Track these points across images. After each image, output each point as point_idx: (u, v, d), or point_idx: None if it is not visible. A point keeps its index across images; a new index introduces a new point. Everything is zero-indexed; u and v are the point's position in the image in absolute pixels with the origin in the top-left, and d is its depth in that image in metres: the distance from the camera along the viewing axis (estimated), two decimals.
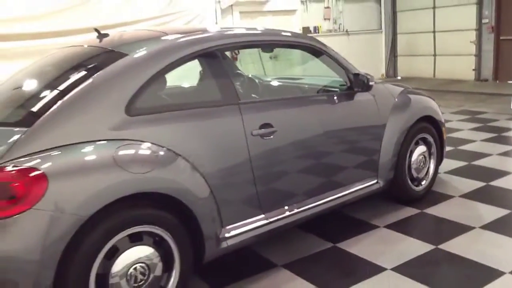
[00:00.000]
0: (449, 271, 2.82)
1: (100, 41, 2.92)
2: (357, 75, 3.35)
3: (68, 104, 2.26)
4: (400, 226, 3.46)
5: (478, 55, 10.97)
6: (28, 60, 8.62)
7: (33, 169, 2.03)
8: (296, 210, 2.98)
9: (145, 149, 2.32)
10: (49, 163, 2.07)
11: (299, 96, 3.41)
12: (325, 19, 11.81)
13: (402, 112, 3.67)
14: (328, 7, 11.79)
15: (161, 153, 2.36)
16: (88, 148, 2.20)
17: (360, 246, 3.18)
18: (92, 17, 8.66)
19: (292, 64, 8.27)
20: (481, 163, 4.82)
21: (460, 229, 3.34)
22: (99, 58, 2.65)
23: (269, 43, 3.25)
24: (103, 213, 2.11)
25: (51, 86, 2.56)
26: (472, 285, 2.64)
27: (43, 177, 2.02)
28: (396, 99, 3.70)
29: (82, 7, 8.62)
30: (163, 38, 2.69)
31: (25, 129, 2.15)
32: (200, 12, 9.80)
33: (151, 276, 2.33)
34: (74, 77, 2.52)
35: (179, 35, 2.77)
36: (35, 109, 2.32)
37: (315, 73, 4.53)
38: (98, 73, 2.38)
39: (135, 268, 2.27)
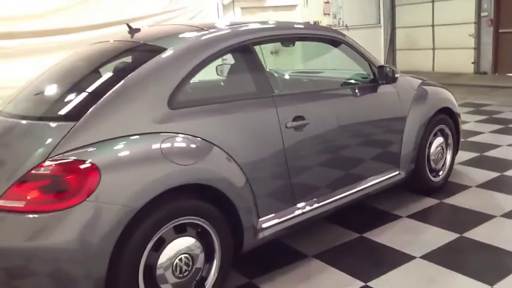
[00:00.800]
0: (477, 258, 2.89)
1: (132, 36, 2.95)
2: (381, 67, 3.41)
3: (113, 98, 2.29)
4: (422, 216, 3.53)
5: (477, 48, 11.08)
6: (30, 59, 8.60)
7: (85, 162, 2.06)
8: (326, 201, 3.04)
9: (188, 142, 2.37)
10: (100, 156, 2.11)
11: (328, 89, 3.44)
12: (325, 14, 11.86)
13: (422, 104, 3.73)
14: (328, 2, 11.83)
15: (203, 145, 2.41)
16: (136, 141, 2.24)
17: (386, 236, 3.25)
18: (94, 14, 8.65)
19: (293, 60, 8.31)
20: (493, 154, 4.91)
21: (481, 218, 3.41)
22: (139, 52, 2.68)
23: (298, 36, 3.28)
24: (152, 204, 2.15)
25: (94, 80, 2.59)
26: (501, 271, 2.70)
27: (95, 169, 2.05)
28: (416, 91, 3.77)
29: (84, 5, 8.58)
30: (199, 32, 2.73)
31: (73, 123, 2.18)
32: (203, 8, 9.80)
33: (194, 266, 2.37)
34: (117, 71, 2.56)
35: (214, 29, 2.81)
36: (81, 103, 2.36)
37: (322, 67, 4.60)
38: (140, 67, 2.42)
39: (180, 259, 2.31)
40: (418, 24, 12.15)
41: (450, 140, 4.08)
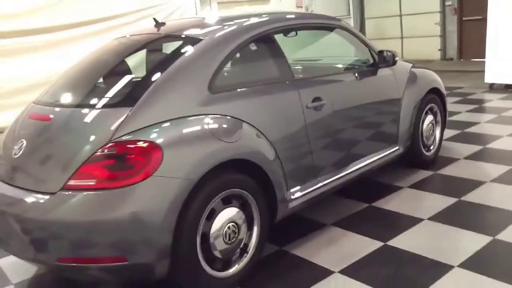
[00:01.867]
0: (477, 216, 3.28)
1: (158, 29, 3.17)
2: (381, 52, 3.75)
3: (162, 85, 2.52)
4: (422, 186, 3.91)
5: (443, 36, 11.67)
6: (14, 58, 8.56)
7: (148, 141, 2.30)
8: (341, 174, 3.36)
9: (229, 122, 2.63)
10: (159, 136, 2.35)
11: (337, 73, 3.75)
12: (297, 7, 12.21)
13: (415, 86, 4.10)
14: None
15: (241, 125, 2.67)
16: (186, 122, 2.48)
17: (392, 204, 3.60)
18: (75, 12, 8.68)
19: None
20: (473, 130, 5.38)
21: (473, 184, 3.81)
22: (178, 43, 2.90)
23: (311, 26, 3.57)
24: (206, 178, 2.40)
25: (140, 69, 2.80)
26: (500, 224, 3.09)
27: (158, 148, 2.29)
28: (409, 74, 4.13)
29: (65, 3, 8.60)
30: (226, 23, 2.98)
31: (129, 108, 2.41)
32: (181, 3, 9.96)
33: (239, 234, 2.64)
34: (161, 61, 2.78)
35: (238, 20, 3.07)
36: (134, 90, 2.58)
37: (317, 55, 4.92)
38: (182, 56, 2.66)
39: (228, 227, 2.57)
40: (386, 14, 12.65)
41: (439, 118, 4.48)
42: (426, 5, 11.71)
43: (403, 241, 3.01)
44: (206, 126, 2.50)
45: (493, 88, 7.70)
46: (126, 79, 2.77)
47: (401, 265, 2.75)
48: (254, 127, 2.74)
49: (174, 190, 2.28)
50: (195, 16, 4.23)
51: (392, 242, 3.01)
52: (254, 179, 2.70)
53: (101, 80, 2.93)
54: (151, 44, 3.08)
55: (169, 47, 2.93)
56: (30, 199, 2.35)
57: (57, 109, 2.69)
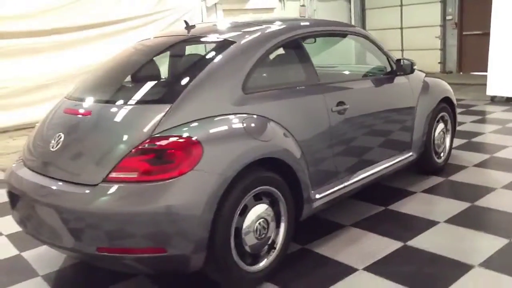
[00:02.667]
0: (491, 220, 3.41)
1: (189, 31, 3.27)
2: (399, 60, 3.87)
3: (199, 84, 2.61)
4: (435, 191, 4.02)
5: (443, 49, 11.90)
6: (21, 58, 8.62)
7: (189, 137, 2.39)
8: (361, 176, 3.45)
9: (262, 121, 2.72)
10: (200, 133, 2.44)
11: (359, 79, 3.86)
12: (301, 16, 12.38)
13: (428, 95, 4.23)
14: (303, 5, 12.38)
15: (272, 124, 2.77)
16: (223, 120, 2.57)
17: (408, 207, 3.70)
18: (83, 15, 8.78)
19: None
20: (479, 140, 5.51)
21: (485, 190, 3.93)
22: (212, 45, 2.99)
23: (334, 32, 3.69)
24: (241, 174, 2.49)
25: (177, 68, 2.90)
26: (510, 229, 3.22)
27: (198, 144, 2.38)
28: (423, 83, 4.25)
29: (73, 6, 8.69)
30: (256, 28, 3.09)
31: (169, 105, 2.50)
32: (188, 10, 10.09)
33: (268, 230, 2.73)
34: (197, 61, 2.87)
35: (270, 25, 3.17)
36: (173, 88, 2.67)
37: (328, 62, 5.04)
38: (217, 57, 2.76)
39: (259, 223, 2.65)
40: (387, 26, 12.87)
41: (449, 126, 4.60)
42: (427, 18, 11.95)
43: (422, 242, 3.11)
44: (242, 125, 2.60)
45: (494, 100, 7.88)
46: (163, 77, 2.86)
47: (422, 264, 2.85)
48: (284, 127, 2.84)
49: (212, 185, 2.36)
50: (222, 21, 4.32)
51: (412, 243, 3.11)
52: (282, 178, 2.79)
53: (137, 78, 3.01)
54: (186, 45, 3.17)
55: (204, 49, 3.03)
56: (70, 190, 2.42)
57: (95, 104, 2.77)
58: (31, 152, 2.85)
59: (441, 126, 4.45)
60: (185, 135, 2.40)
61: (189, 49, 3.12)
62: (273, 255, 2.76)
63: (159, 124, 2.43)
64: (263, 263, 2.71)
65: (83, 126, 2.66)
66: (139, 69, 3.09)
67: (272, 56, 3.02)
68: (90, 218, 2.32)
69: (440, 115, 4.42)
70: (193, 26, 3.36)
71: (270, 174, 2.69)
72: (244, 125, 2.61)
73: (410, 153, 4.05)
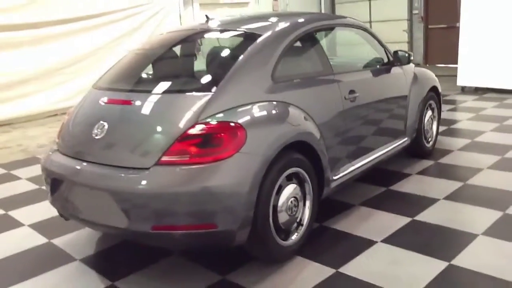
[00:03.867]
0: (486, 195, 3.75)
1: (209, 24, 3.47)
2: (396, 52, 4.20)
3: (235, 73, 2.83)
4: (428, 172, 4.39)
5: (410, 42, 12.46)
6: (0, 53, 8.47)
7: (233, 122, 2.60)
8: (368, 159, 3.76)
9: (291, 108, 2.97)
10: (242, 118, 2.66)
11: (363, 69, 4.14)
12: (274, 10, 12.64)
13: (419, 84, 4.58)
14: (276, 0, 12.64)
15: (298, 110, 3.02)
16: (260, 106, 2.81)
17: (407, 187, 4.05)
18: (60, 9, 8.71)
19: None
20: (458, 126, 5.96)
21: (473, 171, 4.33)
22: (240, 37, 3.20)
23: (343, 25, 3.96)
24: (278, 156, 2.73)
25: (211, 59, 3.09)
26: (505, 203, 3.59)
27: (242, 128, 2.60)
28: (414, 73, 4.61)
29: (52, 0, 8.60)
30: (277, 20, 3.33)
31: (209, 93, 2.70)
32: (165, 4, 10.15)
33: (298, 208, 2.98)
34: (230, 52, 3.09)
35: (288, 18, 3.41)
36: (211, 78, 2.88)
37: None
38: (248, 49, 2.98)
39: (291, 201, 2.91)
40: None
41: (436, 113, 4.99)
42: (395, 13, 12.48)
43: (427, 216, 3.45)
44: (276, 111, 2.84)
45: (464, 90, 8.42)
46: (198, 67, 3.04)
47: (432, 235, 3.18)
48: (307, 113, 3.09)
49: (256, 165, 2.59)
50: (240, 14, 4.52)
51: (419, 217, 3.44)
52: (308, 160, 3.04)
53: (172, 68, 3.19)
54: (215, 37, 3.37)
55: (232, 41, 3.24)
56: (124, 174, 2.59)
57: (135, 94, 2.93)
58: (71, 141, 2.99)
59: (429, 113, 4.82)
60: (229, 120, 2.62)
61: (218, 41, 3.31)
62: (301, 231, 3.02)
63: (204, 110, 2.64)
64: (293, 238, 2.96)
65: (127, 114, 2.82)
66: (172, 59, 3.26)
67: (293, 48, 3.25)
68: (146, 199, 2.50)
69: (429, 103, 4.79)
70: (212, 19, 3.55)
71: (299, 156, 2.94)
72: (278, 111, 2.85)
73: (406, 138, 4.39)
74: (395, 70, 4.28)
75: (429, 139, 4.88)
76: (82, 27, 9.06)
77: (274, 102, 2.89)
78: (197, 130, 2.58)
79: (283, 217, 2.86)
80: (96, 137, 2.79)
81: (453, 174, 4.31)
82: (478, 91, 8.20)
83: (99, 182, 2.63)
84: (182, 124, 2.60)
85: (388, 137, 4.13)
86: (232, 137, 2.57)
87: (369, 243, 3.11)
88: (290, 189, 2.90)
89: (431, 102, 4.85)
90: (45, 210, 4.04)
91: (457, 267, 2.76)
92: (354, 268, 2.83)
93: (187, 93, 2.80)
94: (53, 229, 3.65)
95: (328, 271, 2.80)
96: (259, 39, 3.06)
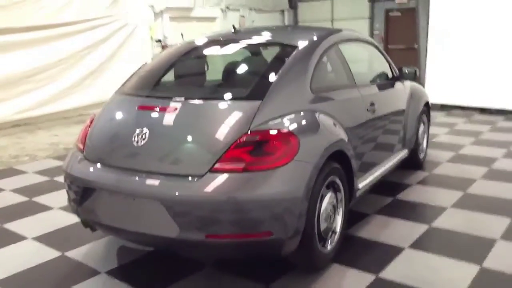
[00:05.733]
0: (489, 203, 3.94)
1: (238, 36, 3.47)
2: (401, 68, 4.38)
3: (280, 83, 2.84)
4: (428, 182, 4.57)
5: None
6: None
7: (287, 130, 2.60)
8: (381, 170, 3.86)
9: (329, 117, 3.00)
10: (292, 126, 2.66)
11: (377, 83, 4.22)
12: (240, 26, 12.77)
13: (416, 99, 4.78)
14: (243, 16, 12.79)
15: (335, 120, 3.06)
16: (304, 115, 2.82)
17: (413, 196, 4.20)
18: (32, 16, 8.35)
19: None
20: (439, 140, 6.28)
21: (469, 181, 4.55)
22: (276, 49, 3.21)
23: (358, 40, 4.06)
24: (324, 164, 2.75)
25: (252, 69, 3.09)
26: (508, 211, 3.80)
27: (295, 136, 2.60)
28: (410, 88, 4.81)
29: (21, 5, 8.22)
30: (307, 33, 3.38)
31: (259, 101, 2.69)
32: (136, 15, 9.98)
33: (334, 216, 3.01)
34: (271, 63, 3.10)
35: (314, 32, 3.47)
36: (257, 86, 2.85)
37: None
38: (288, 60, 3.00)
39: (330, 209, 2.93)
40: None
41: (427, 127, 5.22)
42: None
43: (444, 223, 3.58)
44: (320, 120, 2.87)
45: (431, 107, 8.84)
46: (241, 75, 3.02)
47: (454, 240, 3.30)
48: (341, 123, 3.14)
49: (308, 173, 2.60)
50: (266, 26, 4.54)
51: (435, 224, 3.57)
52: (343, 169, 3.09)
53: (214, 75, 3.14)
54: (253, 47, 3.37)
55: (271, 51, 3.26)
56: (174, 182, 2.50)
57: (180, 101, 2.84)
58: (105, 148, 2.86)
59: (422, 127, 5.04)
60: (282, 128, 2.62)
61: (256, 51, 3.31)
62: (336, 238, 3.05)
63: (254, 118, 2.62)
64: (330, 246, 2.98)
65: (171, 121, 2.74)
66: (211, 67, 3.21)
67: (323, 60, 3.31)
68: (200, 206, 2.43)
69: (422, 117, 5.01)
70: (239, 31, 3.55)
71: (336, 165, 2.98)
72: (322, 120, 2.89)
73: (406, 150, 4.56)
74: (398, 85, 4.45)
75: (421, 152, 5.09)
76: (48, 36, 8.70)
77: (317, 112, 2.93)
78: (251, 137, 2.55)
79: (323, 225, 2.88)
80: (137, 144, 2.68)
81: (451, 184, 4.51)
82: (445, 108, 8.65)
83: (148, 191, 2.53)
84: (235, 131, 2.57)
85: (394, 148, 4.27)
86: (286, 145, 2.57)
87: (398, 250, 3.18)
88: (328, 198, 2.93)
89: (423, 116, 5.07)
90: (45, 222, 3.84)
91: (489, 270, 2.89)
92: (392, 273, 2.88)
93: (236, 101, 2.77)
94: (62, 241, 3.45)
95: (369, 277, 2.84)
96: (297, 51, 3.09)
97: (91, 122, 3.11)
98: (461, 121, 7.62)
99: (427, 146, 5.27)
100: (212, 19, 12.02)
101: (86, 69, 9.21)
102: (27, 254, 3.29)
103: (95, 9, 9.29)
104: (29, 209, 4.16)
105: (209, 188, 2.44)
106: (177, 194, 2.46)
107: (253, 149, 2.54)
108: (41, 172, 5.33)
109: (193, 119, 2.73)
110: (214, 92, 2.93)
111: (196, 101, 2.84)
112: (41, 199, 4.40)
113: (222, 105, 2.76)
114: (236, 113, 2.66)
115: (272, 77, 2.86)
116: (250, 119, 2.61)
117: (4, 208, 4.22)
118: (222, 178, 2.46)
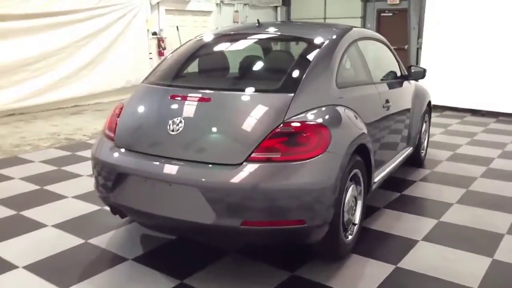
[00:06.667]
0: (494, 200, 4.13)
1: (262, 30, 3.56)
2: (410, 67, 4.52)
3: (310, 77, 2.94)
4: (431, 179, 4.74)
5: None
6: None
7: (320, 123, 2.71)
8: (392, 165, 4.01)
9: (353, 112, 3.12)
10: (324, 118, 2.77)
11: (388, 81, 4.35)
12: (234, 21, 12.83)
13: (420, 98, 4.95)
14: (237, 11, 12.84)
15: (357, 115, 3.18)
16: (333, 109, 2.93)
17: (418, 192, 4.36)
18: (24, 4, 8.24)
19: None
20: (435, 140, 6.46)
21: (469, 179, 4.74)
22: (304, 44, 3.30)
23: (371, 38, 4.18)
24: (351, 156, 2.87)
25: (282, 62, 3.19)
26: (507, 208, 4.00)
27: (327, 128, 2.72)
28: (414, 88, 4.96)
29: None
30: (331, 30, 3.50)
31: (291, 94, 2.79)
32: (133, 7, 9.95)
33: (356, 208, 3.13)
34: (300, 58, 3.19)
35: (337, 28, 3.58)
36: (289, 80, 2.95)
37: None
38: (316, 56, 3.10)
39: (352, 201, 3.05)
40: None
41: (428, 126, 5.40)
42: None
43: (451, 217, 3.75)
44: (347, 114, 2.99)
45: None
46: (272, 69, 3.12)
47: (463, 233, 3.46)
48: (361, 118, 3.27)
49: (338, 165, 2.72)
50: (283, 21, 4.63)
51: (444, 219, 3.73)
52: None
53: (245, 68, 3.23)
54: (280, 41, 3.46)
55: (299, 46, 3.36)
56: (212, 170, 2.59)
57: (213, 92, 2.93)
58: (138, 136, 2.92)
59: (424, 125, 5.21)
60: (315, 120, 2.73)
61: (284, 45, 3.41)
62: (355, 229, 3.18)
63: (288, 110, 2.72)
64: (350, 237, 3.10)
65: (207, 111, 2.82)
66: (244, 59, 3.30)
67: (345, 57, 3.42)
68: (237, 194, 2.52)
69: (426, 115, 5.18)
70: (261, 25, 3.63)
71: (359, 158, 3.10)
72: (348, 114, 3.01)
73: (411, 148, 4.72)
74: (406, 84, 4.60)
75: (423, 150, 5.26)
76: (45, 24, 8.63)
77: (343, 106, 3.04)
78: (285, 128, 2.65)
79: (346, 216, 3.00)
80: (172, 133, 2.76)
81: (453, 181, 4.68)
82: (437, 109, 8.87)
83: (186, 177, 2.61)
84: (270, 122, 2.66)
85: (403, 145, 4.43)
86: (319, 136, 2.68)
87: (412, 242, 3.32)
88: (351, 190, 3.05)
89: (426, 115, 5.24)
90: (62, 210, 3.88)
91: (501, 262, 3.05)
92: (410, 263, 3.02)
93: (270, 93, 2.87)
94: (82, 229, 3.50)
95: (389, 267, 2.97)
96: (323, 46, 3.20)
97: (120, 111, 3.16)
98: (455, 122, 7.86)
99: (427, 144, 5.45)
100: (207, 13, 12.04)
101: (83, 59, 9.16)
102: (49, 241, 3.32)
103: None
104: (43, 197, 4.18)
105: (246, 176, 2.53)
106: (215, 181, 2.54)
107: (288, 140, 2.64)
108: (47, 162, 5.33)
109: (228, 110, 2.82)
110: (245, 84, 3.01)
111: (230, 92, 2.92)
112: (53, 188, 4.42)
113: (256, 96, 2.85)
114: (270, 105, 2.76)
115: (302, 71, 2.96)
116: (284, 111, 2.71)
117: (17, 196, 4.23)
118: (258, 167, 2.55)
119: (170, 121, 2.79)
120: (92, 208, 3.90)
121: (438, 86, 8.76)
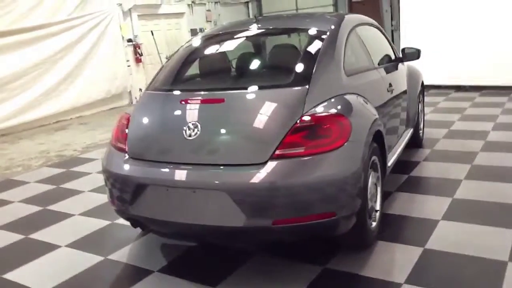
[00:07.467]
0: (497, 172, 4.18)
1: (261, 24, 3.51)
2: (403, 49, 4.54)
3: (321, 68, 2.90)
4: (434, 158, 4.78)
5: None
6: None
7: (339, 113, 2.69)
8: (400, 148, 4.02)
9: (364, 99, 3.10)
10: (341, 109, 2.75)
11: (387, 65, 4.35)
12: (207, 21, 12.72)
13: (414, 79, 4.98)
14: (209, 10, 12.73)
15: (367, 100, 3.16)
16: (347, 98, 2.91)
17: (425, 172, 4.40)
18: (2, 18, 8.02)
19: None
20: (427, 118, 6.50)
21: (471, 154, 4.79)
22: (310, 34, 3.26)
23: (368, 24, 4.16)
24: (370, 143, 2.86)
25: (290, 56, 3.14)
26: (503, 176, 4.08)
27: (347, 118, 2.69)
28: (408, 69, 4.99)
29: None
30: (334, 18, 3.49)
31: (306, 87, 2.75)
32: (106, 15, 9.76)
33: (377, 193, 3.13)
34: (306, 48, 3.13)
35: (334, 17, 3.56)
36: (301, 72, 2.90)
37: None
38: (323, 44, 3.07)
39: (373, 188, 3.04)
40: None
41: (422, 106, 5.44)
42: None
43: (465, 194, 3.78)
44: (361, 101, 2.97)
45: None
46: (280, 63, 3.07)
47: (481, 209, 3.49)
48: (371, 103, 3.25)
49: (361, 153, 2.70)
50: (276, 14, 4.57)
51: (457, 196, 3.76)
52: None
53: (254, 64, 3.17)
54: (283, 34, 3.41)
55: (302, 37, 3.31)
56: (237, 171, 2.53)
57: (226, 92, 2.88)
58: (152, 145, 2.84)
59: (420, 106, 5.25)
60: (333, 111, 2.70)
61: (287, 38, 3.36)
62: (377, 216, 3.17)
63: (305, 103, 2.68)
64: (374, 223, 3.09)
65: (222, 112, 2.75)
66: (249, 56, 3.24)
67: (348, 44, 3.39)
68: (265, 193, 2.47)
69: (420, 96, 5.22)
70: (261, 18, 3.58)
71: (375, 144, 3.09)
72: (362, 102, 2.99)
73: (411, 129, 4.75)
74: (400, 66, 4.61)
75: (420, 130, 5.30)
76: (20, 41, 8.40)
77: (354, 94, 3.02)
78: (306, 122, 2.61)
79: (369, 204, 2.98)
80: (189, 138, 2.69)
81: (456, 158, 4.73)
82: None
83: (210, 182, 2.55)
84: (289, 118, 2.62)
85: (405, 127, 4.45)
86: (340, 127, 2.65)
87: (433, 222, 3.33)
88: (373, 176, 3.03)
89: (420, 96, 5.27)
90: (71, 229, 3.77)
91: None
92: (437, 243, 3.02)
93: (283, 88, 2.82)
94: (98, 246, 3.40)
95: (417, 250, 2.97)
96: (326, 35, 3.17)
97: (127, 121, 3.07)
98: (441, 99, 7.96)
99: (423, 124, 5.50)
100: (180, 14, 11.90)
101: (61, 73, 8.96)
102: (68, 261, 3.22)
103: (64, 11, 9.02)
104: (48, 218, 4.05)
105: (273, 174, 2.48)
106: (242, 183, 2.49)
107: (310, 133, 2.60)
108: (43, 181, 5.18)
109: (244, 109, 2.76)
110: (257, 81, 2.96)
111: (243, 91, 2.87)
112: (57, 207, 4.30)
113: (271, 92, 2.81)
114: (287, 100, 2.72)
115: (312, 63, 2.93)
116: (302, 104, 2.67)
117: (21, 219, 4.09)
118: (284, 163, 2.51)
119: (185, 127, 2.72)
120: (102, 224, 3.80)
121: (421, 65, 8.85)
